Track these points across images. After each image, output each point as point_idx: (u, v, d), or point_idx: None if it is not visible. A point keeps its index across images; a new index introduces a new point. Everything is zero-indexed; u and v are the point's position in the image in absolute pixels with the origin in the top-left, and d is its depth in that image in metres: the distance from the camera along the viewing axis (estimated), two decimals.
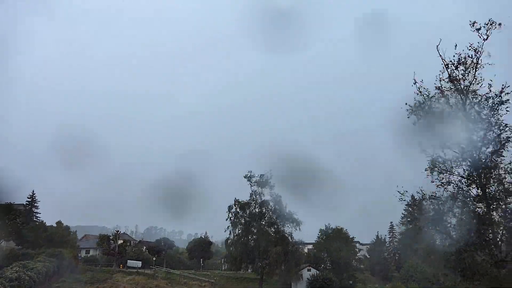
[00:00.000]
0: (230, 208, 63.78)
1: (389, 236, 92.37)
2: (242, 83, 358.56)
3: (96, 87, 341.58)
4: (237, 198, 64.53)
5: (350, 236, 75.99)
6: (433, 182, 21.55)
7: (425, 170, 21.76)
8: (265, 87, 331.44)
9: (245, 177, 64.18)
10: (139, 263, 73.90)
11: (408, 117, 21.86)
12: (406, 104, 21.96)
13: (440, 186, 21.51)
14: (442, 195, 21.61)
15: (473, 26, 20.18)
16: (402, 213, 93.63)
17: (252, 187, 64.24)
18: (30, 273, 44.29)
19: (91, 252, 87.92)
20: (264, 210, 64.15)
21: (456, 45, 20.52)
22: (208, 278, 66.19)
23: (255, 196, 64.59)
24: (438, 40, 20.79)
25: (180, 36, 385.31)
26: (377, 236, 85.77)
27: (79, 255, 77.39)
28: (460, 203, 21.14)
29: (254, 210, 64.03)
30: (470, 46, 20.25)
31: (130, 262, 73.33)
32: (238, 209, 64.03)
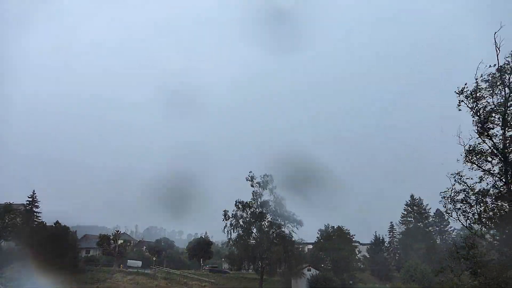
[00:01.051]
0: (225, 213, 63.86)
1: (389, 236, 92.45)
2: (242, 83, 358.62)
3: (97, 87, 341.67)
4: (238, 199, 64.71)
5: (351, 236, 76.12)
6: (470, 169, 21.05)
7: (464, 155, 21.34)
8: (265, 87, 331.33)
9: (247, 179, 64.30)
10: (139, 263, 73.96)
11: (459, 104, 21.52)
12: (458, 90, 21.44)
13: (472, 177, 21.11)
14: (473, 186, 21.23)
15: None
16: (402, 213, 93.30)
17: (254, 188, 64.40)
18: None
19: (91, 252, 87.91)
20: (265, 211, 64.21)
21: None
22: (208, 278, 66.23)
23: (256, 197, 64.69)
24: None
25: (179, 37, 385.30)
26: (376, 236, 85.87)
27: (79, 255, 77.35)
28: (486, 197, 20.84)
29: (255, 211, 64.15)
30: None
31: (130, 262, 73.39)
32: (239, 210, 64.17)
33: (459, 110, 21.09)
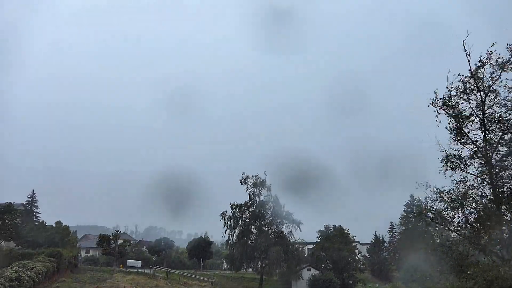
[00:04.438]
0: (224, 214, 64.28)
1: (389, 236, 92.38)
2: (242, 84, 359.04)
3: (96, 93, 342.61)
4: (232, 202, 65.30)
5: (351, 236, 76.09)
6: (450, 177, 21.40)
7: (441, 162, 21.67)
8: (265, 89, 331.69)
9: (240, 181, 64.92)
10: (139, 263, 73.88)
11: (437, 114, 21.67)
12: (434, 92, 21.59)
13: (453, 181, 21.42)
14: (454, 192, 21.52)
15: None
16: (402, 214, 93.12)
17: (249, 189, 64.90)
18: (30, 273, 44.07)
19: (91, 252, 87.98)
20: (263, 211, 64.45)
21: (493, 43, 19.86)
22: (208, 278, 66.23)
23: (254, 197, 65.07)
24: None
25: (179, 39, 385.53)
26: (376, 235, 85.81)
27: (79, 255, 77.37)
28: (470, 201, 21.02)
29: (253, 211, 64.40)
30: (508, 45, 19.62)
31: (130, 262, 73.31)
32: (236, 211, 64.54)
33: (439, 122, 21.44)
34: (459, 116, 21.15)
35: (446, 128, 21.68)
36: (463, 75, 20.75)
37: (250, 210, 64.65)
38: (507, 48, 19.69)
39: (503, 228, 20.24)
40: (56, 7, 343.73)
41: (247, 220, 64.72)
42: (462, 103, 21.32)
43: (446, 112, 21.49)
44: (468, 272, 18.13)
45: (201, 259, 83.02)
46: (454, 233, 21.80)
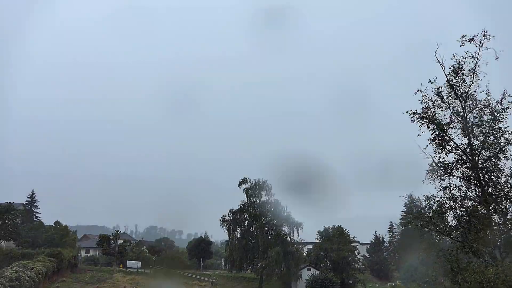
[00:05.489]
0: (224, 219, 64.47)
1: (389, 236, 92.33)
2: (243, 85, 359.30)
3: (101, 89, 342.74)
4: (231, 208, 65.50)
5: (350, 236, 76.00)
6: (433, 184, 21.64)
7: (427, 173, 21.90)
8: (266, 90, 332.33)
9: (239, 185, 65.26)
10: (138, 263, 73.89)
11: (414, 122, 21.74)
12: (409, 112, 21.83)
13: (441, 189, 21.69)
14: (443, 197, 21.75)
15: (467, 40, 20.15)
16: (401, 214, 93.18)
17: (249, 191, 65.10)
18: (30, 273, 44.07)
19: (91, 252, 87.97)
20: (262, 212, 64.65)
21: (455, 55, 20.71)
22: (208, 278, 66.26)
23: (253, 199, 65.30)
24: (433, 40, 20.92)
25: (180, 40, 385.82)
26: (376, 235, 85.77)
27: (79, 255, 77.38)
28: (459, 204, 21.26)
29: (252, 212, 64.58)
30: (466, 53, 20.37)
31: (130, 263, 73.33)
32: (236, 215, 64.87)
33: (422, 132, 21.48)
34: (440, 125, 21.42)
35: (428, 139, 21.77)
36: (440, 86, 21.37)
37: (249, 211, 64.79)
38: (461, 57, 20.45)
39: (494, 227, 20.48)
40: (57, 14, 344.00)
41: (247, 222, 65.05)
42: (440, 114, 21.69)
43: (426, 124, 21.66)
44: (461, 278, 18.22)
45: (201, 259, 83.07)
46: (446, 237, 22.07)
